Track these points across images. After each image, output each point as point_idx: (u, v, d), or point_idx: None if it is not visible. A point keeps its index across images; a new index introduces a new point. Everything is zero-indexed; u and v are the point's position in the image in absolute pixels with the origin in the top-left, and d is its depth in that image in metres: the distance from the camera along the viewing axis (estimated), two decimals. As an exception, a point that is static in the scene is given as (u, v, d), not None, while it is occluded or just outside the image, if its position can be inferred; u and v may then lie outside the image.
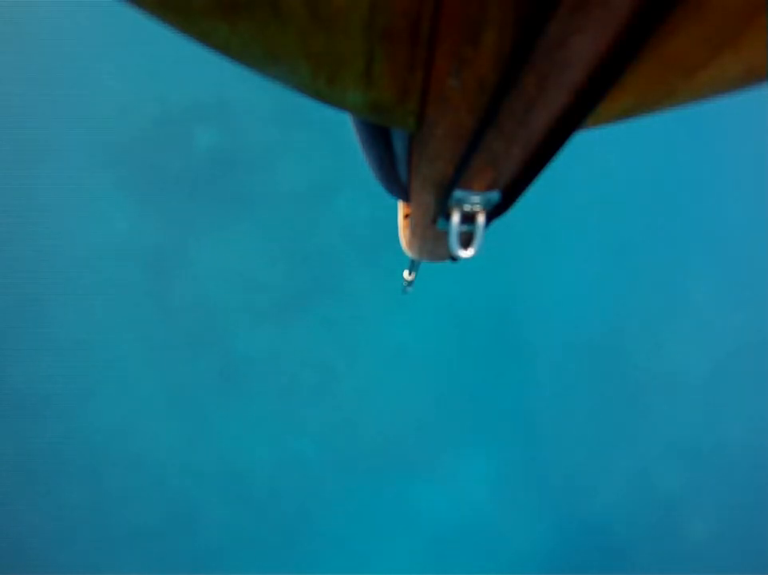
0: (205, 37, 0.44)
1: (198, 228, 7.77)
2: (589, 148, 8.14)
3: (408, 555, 10.30)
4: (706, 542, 9.73)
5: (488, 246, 8.40)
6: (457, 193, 0.67)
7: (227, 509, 9.04)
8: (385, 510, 10.03)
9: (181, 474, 8.66)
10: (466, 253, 0.76)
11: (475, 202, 0.69)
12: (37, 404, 8.08)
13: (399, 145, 0.70)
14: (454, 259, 0.99)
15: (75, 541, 8.24)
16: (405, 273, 1.56)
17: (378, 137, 0.70)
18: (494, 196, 0.68)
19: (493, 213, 0.74)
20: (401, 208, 1.07)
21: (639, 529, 10.18)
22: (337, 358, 7.42)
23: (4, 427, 7.59)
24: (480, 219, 0.72)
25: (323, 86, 0.50)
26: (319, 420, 8.78)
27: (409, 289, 1.81)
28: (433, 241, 0.94)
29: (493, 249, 8.09)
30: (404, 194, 0.85)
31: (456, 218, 0.72)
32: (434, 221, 0.82)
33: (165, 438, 8.93)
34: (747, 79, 0.52)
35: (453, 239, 0.73)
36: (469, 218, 0.73)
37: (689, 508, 9.96)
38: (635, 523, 10.01)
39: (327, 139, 6.86)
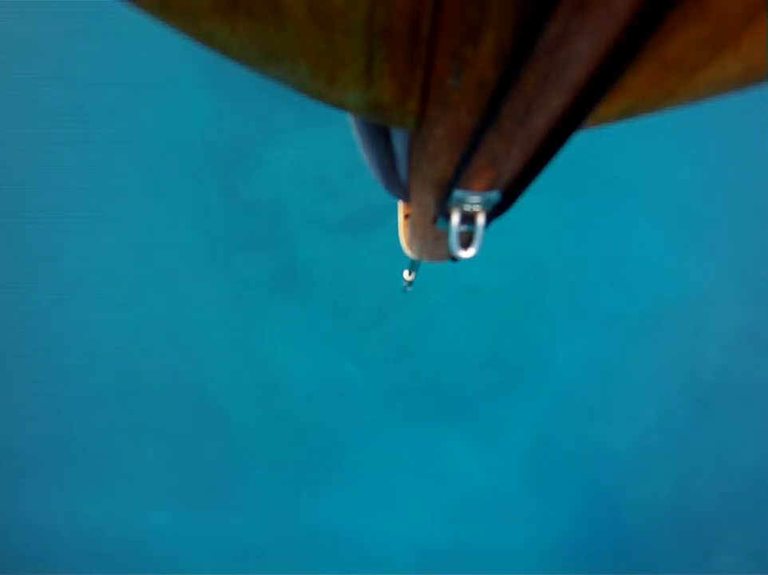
0: (206, 38, 0.45)
1: (278, 126, 7.34)
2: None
3: (430, 504, 10.30)
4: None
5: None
6: (457, 193, 0.68)
7: (260, 421, 8.89)
8: (417, 458, 10.03)
9: (219, 379, 8.56)
10: (466, 253, 0.77)
11: (475, 202, 0.69)
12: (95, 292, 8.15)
13: (399, 145, 0.70)
14: (454, 259, 0.98)
15: (110, 435, 8.74)
16: (406, 273, 1.59)
17: (378, 137, 0.71)
18: (494, 196, 0.69)
19: (493, 213, 0.75)
20: (401, 208, 1.07)
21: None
22: (402, 284, 7.00)
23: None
24: (480, 219, 0.73)
25: (323, 86, 0.51)
26: (372, 347, 8.50)
27: (409, 289, 1.84)
28: (433, 241, 0.95)
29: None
30: (404, 194, 0.86)
31: (456, 218, 0.73)
32: (434, 221, 0.82)
33: (210, 338, 8.82)
34: (747, 79, 0.53)
35: (453, 240, 0.74)
36: (468, 218, 0.74)
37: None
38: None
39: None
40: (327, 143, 7.96)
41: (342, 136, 7.52)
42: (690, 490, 10.46)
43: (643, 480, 10.74)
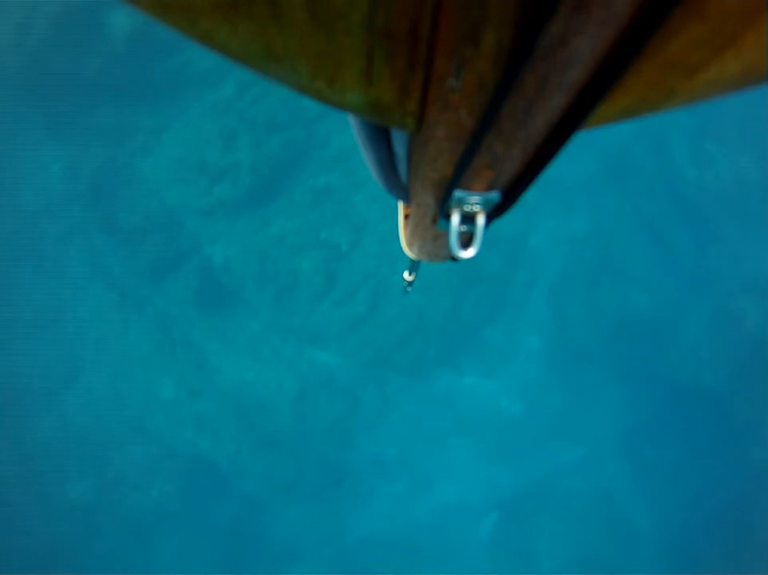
0: (206, 38, 0.45)
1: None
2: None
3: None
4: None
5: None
6: (457, 194, 0.68)
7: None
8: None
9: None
10: (466, 253, 0.78)
11: (475, 202, 0.70)
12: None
13: (399, 146, 0.71)
14: (454, 259, 1.00)
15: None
16: (406, 274, 1.60)
17: (378, 138, 0.71)
18: (494, 196, 0.70)
19: (493, 213, 0.75)
20: (401, 208, 1.09)
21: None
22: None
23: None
24: (480, 219, 0.74)
25: (323, 86, 0.52)
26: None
27: (409, 289, 1.77)
28: (433, 242, 0.96)
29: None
30: (404, 194, 0.87)
31: (456, 218, 0.74)
32: (434, 222, 0.83)
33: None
34: (747, 79, 0.54)
35: (453, 240, 0.75)
36: (468, 218, 0.75)
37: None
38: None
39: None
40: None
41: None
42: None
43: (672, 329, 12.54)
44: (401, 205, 1.07)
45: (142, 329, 12.13)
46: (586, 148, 12.09)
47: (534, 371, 12.28)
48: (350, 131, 0.76)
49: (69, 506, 11.56)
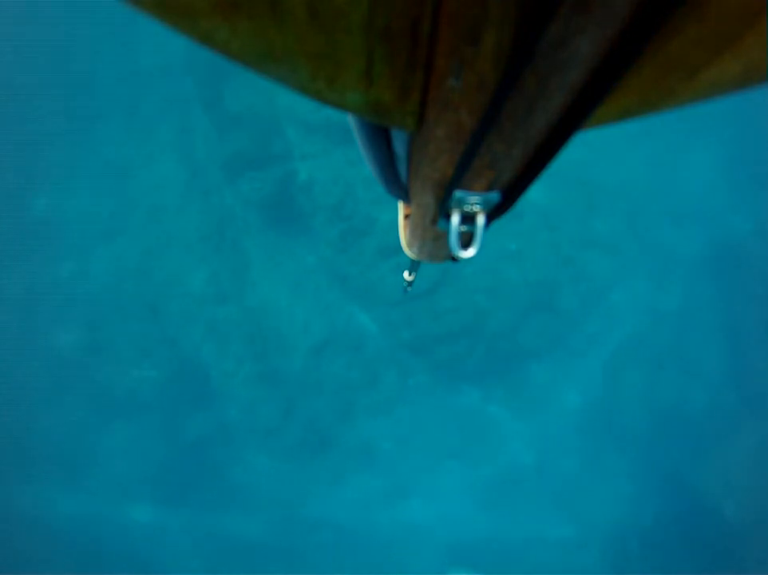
0: (206, 38, 0.48)
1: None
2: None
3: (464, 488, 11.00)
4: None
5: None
6: (457, 194, 0.72)
7: (251, 386, 9.38)
8: (448, 430, 11.89)
9: (202, 334, 10.98)
10: (466, 253, 0.83)
11: (475, 202, 0.74)
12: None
13: (399, 146, 0.75)
14: (455, 259, 1.04)
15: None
16: (406, 274, 1.67)
17: (378, 137, 0.76)
18: (494, 196, 0.74)
19: (493, 214, 0.80)
20: (401, 208, 1.14)
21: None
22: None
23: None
24: (480, 219, 0.78)
25: (323, 87, 0.55)
26: (388, 288, 11.05)
27: (409, 289, 1.86)
28: (433, 242, 1.01)
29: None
30: (404, 194, 0.91)
31: (456, 219, 0.78)
32: (434, 222, 0.87)
33: (192, 285, 11.49)
34: (747, 79, 0.57)
35: (454, 240, 0.80)
36: (468, 218, 0.79)
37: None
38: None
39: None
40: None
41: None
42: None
43: (720, 444, 10.74)
44: (401, 205, 1.12)
45: (197, 213, 12.68)
46: (704, 228, 12.04)
47: (561, 429, 11.97)
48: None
49: (56, 356, 12.64)
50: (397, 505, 12.07)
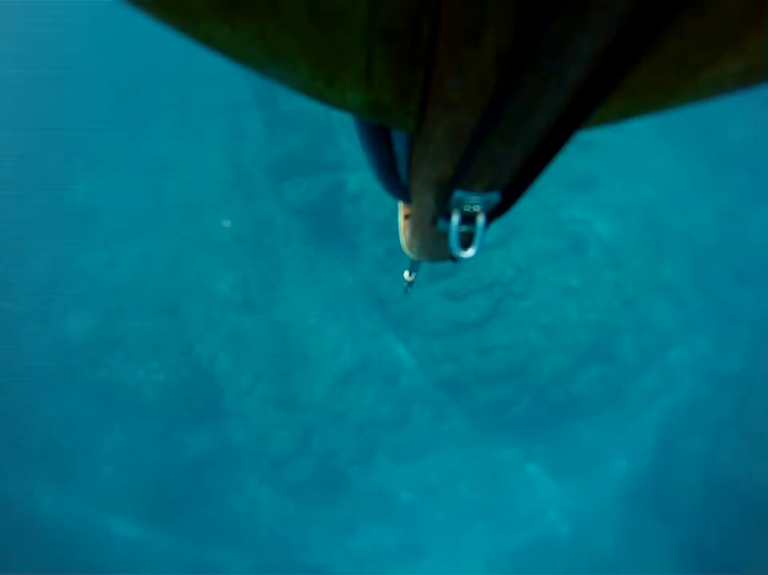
0: (206, 39, 0.49)
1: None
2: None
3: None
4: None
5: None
6: (457, 194, 0.74)
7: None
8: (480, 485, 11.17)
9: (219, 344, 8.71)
10: (467, 254, 0.84)
11: (475, 203, 0.76)
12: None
13: (399, 146, 0.77)
14: (455, 259, 1.02)
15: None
16: (406, 274, 1.65)
17: (378, 138, 0.78)
18: (494, 196, 0.75)
19: (493, 214, 0.81)
20: (401, 209, 1.15)
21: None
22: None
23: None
24: (480, 219, 0.79)
25: (323, 87, 0.56)
26: (432, 319, 10.62)
27: (410, 289, 1.74)
28: (433, 242, 1.04)
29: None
30: (404, 195, 0.93)
31: (456, 219, 0.80)
32: (434, 222, 0.89)
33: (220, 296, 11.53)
34: (748, 79, 0.57)
35: (454, 240, 0.81)
36: (469, 219, 0.80)
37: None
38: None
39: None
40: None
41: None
42: None
43: None
44: (401, 206, 1.14)
45: (235, 215, 12.65)
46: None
47: (603, 498, 11.05)
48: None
49: (65, 343, 12.55)
50: (409, 565, 11.19)
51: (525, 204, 10.92)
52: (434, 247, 1.05)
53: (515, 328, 10.47)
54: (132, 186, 14.05)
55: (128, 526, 11.83)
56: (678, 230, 11.21)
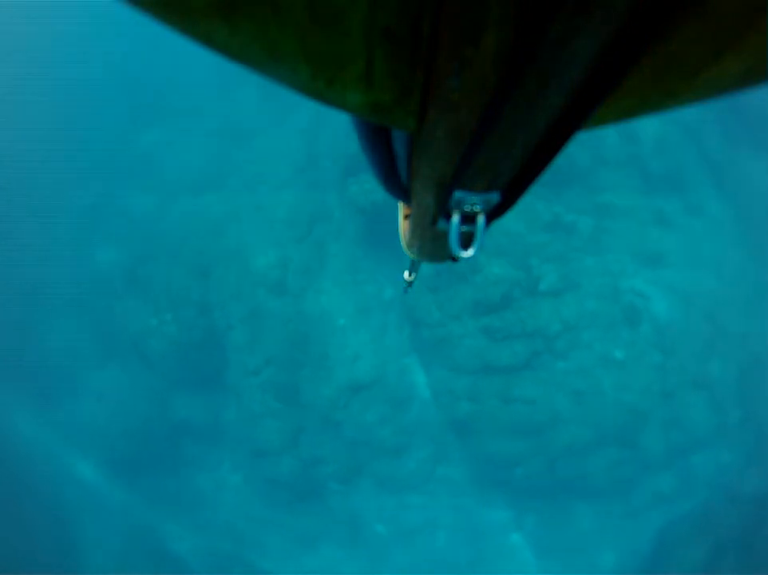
0: (206, 38, 0.49)
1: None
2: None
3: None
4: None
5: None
6: (457, 194, 0.73)
7: None
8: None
9: None
10: (467, 253, 0.84)
11: (475, 203, 0.74)
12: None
13: (399, 146, 0.76)
14: (455, 259, 1.05)
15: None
16: (406, 274, 1.65)
17: (378, 138, 0.77)
18: (494, 196, 0.74)
19: (493, 214, 0.80)
20: (401, 209, 1.15)
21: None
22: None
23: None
24: (480, 219, 0.78)
25: (323, 87, 0.56)
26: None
27: (410, 289, 1.74)
28: (432, 242, 1.02)
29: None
30: (404, 195, 0.92)
31: (456, 219, 0.78)
32: (434, 222, 0.88)
33: None
34: (748, 79, 0.56)
35: (454, 240, 0.80)
36: (469, 219, 0.79)
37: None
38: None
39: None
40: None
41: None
42: None
43: None
44: (401, 206, 1.14)
45: (294, 197, 12.57)
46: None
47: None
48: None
49: (88, 270, 12.94)
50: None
51: (587, 263, 10.96)
52: (434, 247, 1.06)
53: (545, 386, 10.16)
54: (201, 144, 14.32)
55: (90, 469, 11.77)
56: (734, 330, 10.68)
